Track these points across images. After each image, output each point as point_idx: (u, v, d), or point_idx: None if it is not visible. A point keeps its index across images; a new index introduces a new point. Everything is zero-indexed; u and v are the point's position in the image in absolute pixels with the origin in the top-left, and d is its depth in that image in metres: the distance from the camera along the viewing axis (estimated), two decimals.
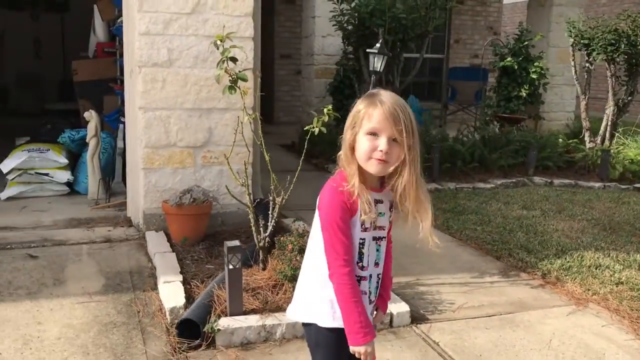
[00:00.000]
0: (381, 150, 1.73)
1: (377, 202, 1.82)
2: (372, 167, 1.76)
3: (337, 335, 1.82)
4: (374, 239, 1.85)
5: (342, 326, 1.79)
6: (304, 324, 1.92)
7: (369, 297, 1.87)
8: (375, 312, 1.99)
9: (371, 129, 1.73)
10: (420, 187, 1.80)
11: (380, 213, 1.83)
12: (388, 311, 3.20)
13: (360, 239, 1.81)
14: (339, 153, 1.83)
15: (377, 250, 1.87)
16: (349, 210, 1.76)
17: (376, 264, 1.87)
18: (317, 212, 1.84)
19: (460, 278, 3.94)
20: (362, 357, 1.76)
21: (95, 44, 6.90)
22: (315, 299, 1.86)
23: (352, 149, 1.78)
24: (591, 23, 7.88)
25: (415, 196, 1.79)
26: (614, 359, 2.97)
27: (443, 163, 6.84)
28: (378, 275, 1.89)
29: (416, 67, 7.83)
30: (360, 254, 1.82)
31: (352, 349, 1.76)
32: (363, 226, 1.80)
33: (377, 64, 4.23)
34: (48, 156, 5.41)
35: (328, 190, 1.79)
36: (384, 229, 1.87)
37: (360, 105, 1.78)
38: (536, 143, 7.43)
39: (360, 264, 1.82)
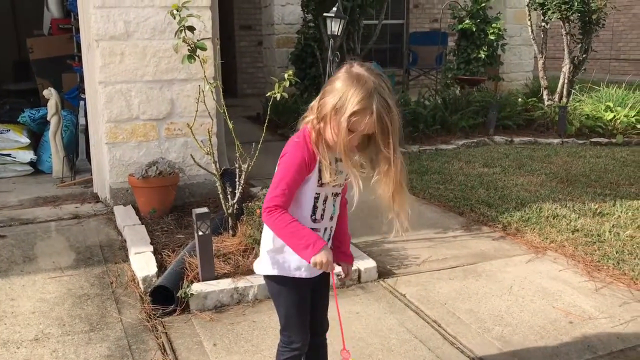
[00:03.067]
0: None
1: (337, 160, 1.85)
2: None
3: (292, 281, 1.93)
4: (333, 194, 1.90)
5: (290, 274, 1.91)
6: (264, 277, 2.01)
7: None
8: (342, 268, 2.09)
9: (354, 129, 1.72)
10: (405, 192, 1.81)
11: (339, 171, 1.88)
12: (355, 267, 3.32)
13: (316, 193, 1.86)
14: (308, 116, 1.82)
15: (334, 205, 1.93)
16: (306, 167, 1.80)
17: (331, 218, 1.94)
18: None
19: (425, 234, 4.08)
20: (322, 268, 1.76)
21: (50, 20, 6.74)
22: (264, 252, 1.97)
23: (323, 120, 1.76)
24: None
25: (400, 201, 1.81)
26: (570, 299, 3.14)
27: (406, 127, 6.95)
28: (331, 227, 1.97)
29: (376, 33, 7.87)
30: (315, 207, 1.87)
31: (311, 262, 1.77)
32: (320, 182, 1.84)
33: (335, 27, 4.26)
34: (9, 136, 5.34)
35: (292, 145, 1.82)
36: (341, 186, 1.93)
37: (352, 97, 1.68)
38: (496, 103, 7.60)
39: (313, 217, 1.88)
